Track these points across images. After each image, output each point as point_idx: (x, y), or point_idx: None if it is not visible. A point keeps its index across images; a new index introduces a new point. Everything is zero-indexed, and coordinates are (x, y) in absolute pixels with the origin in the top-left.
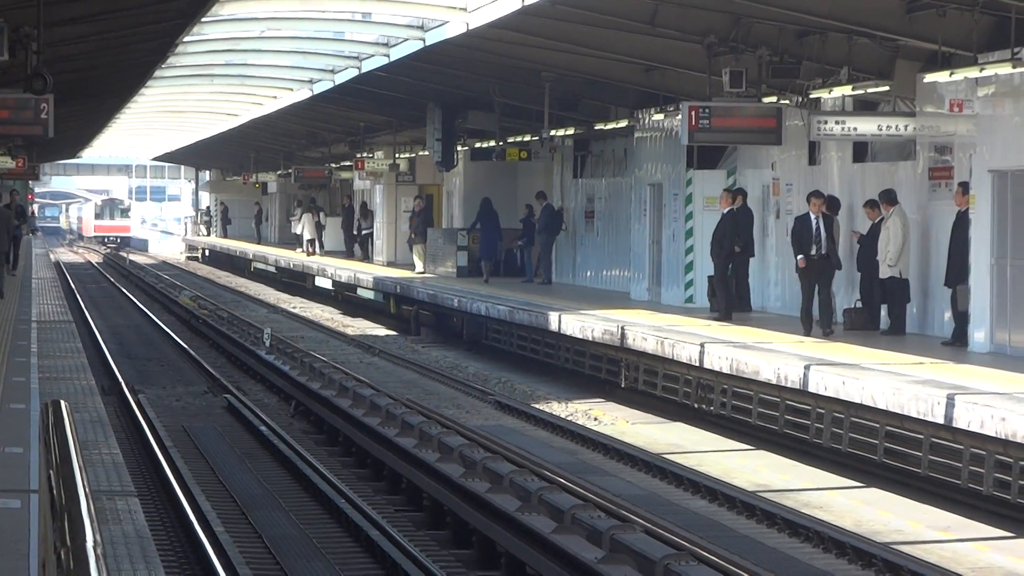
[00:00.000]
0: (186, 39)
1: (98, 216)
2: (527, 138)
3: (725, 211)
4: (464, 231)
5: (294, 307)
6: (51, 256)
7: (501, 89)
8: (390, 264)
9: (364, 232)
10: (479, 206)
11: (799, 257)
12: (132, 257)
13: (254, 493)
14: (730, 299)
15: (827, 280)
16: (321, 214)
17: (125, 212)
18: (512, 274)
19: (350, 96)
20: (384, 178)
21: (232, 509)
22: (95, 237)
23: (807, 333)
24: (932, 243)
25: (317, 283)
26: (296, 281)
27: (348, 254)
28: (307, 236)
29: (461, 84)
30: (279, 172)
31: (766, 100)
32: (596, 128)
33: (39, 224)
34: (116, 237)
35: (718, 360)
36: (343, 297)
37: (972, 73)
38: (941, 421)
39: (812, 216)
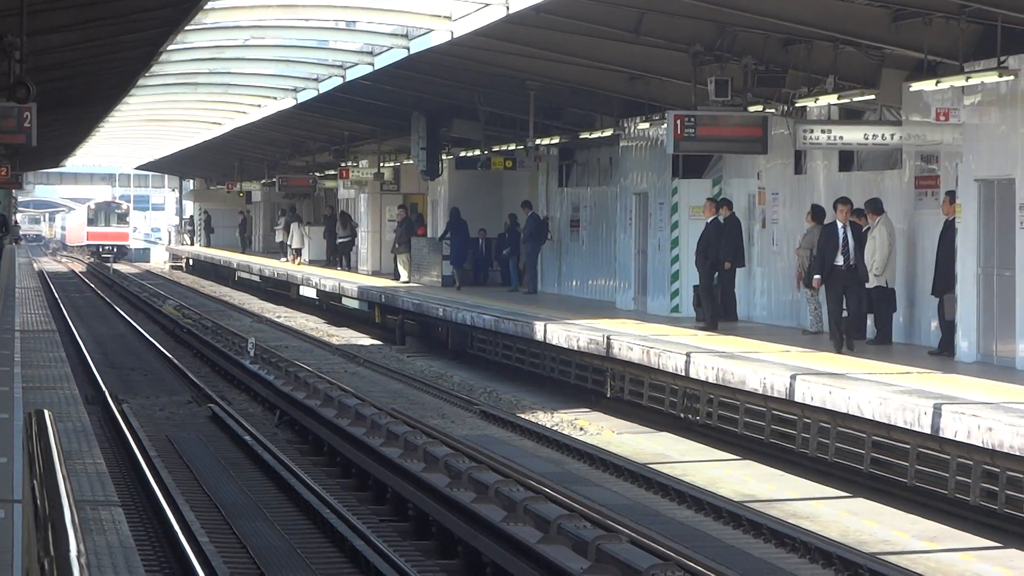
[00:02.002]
0: (170, 47)
1: (91, 222)
2: (512, 147)
3: (709, 220)
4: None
5: (278, 316)
6: (35, 265)
7: (486, 98)
8: (375, 273)
9: (340, 240)
10: (449, 216)
11: (816, 277)
12: (116, 266)
13: (238, 503)
14: (716, 309)
15: (854, 292)
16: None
17: (123, 217)
18: (497, 271)
19: (334, 105)
20: (369, 187)
21: (216, 519)
22: (87, 247)
23: (838, 349)
24: (919, 252)
25: (302, 292)
26: (280, 291)
27: (332, 263)
28: (295, 245)
29: (446, 93)
30: (263, 181)
31: (752, 109)
32: (581, 137)
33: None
34: (112, 246)
35: (704, 370)
36: (328, 307)
37: (958, 82)
38: (928, 431)
39: (839, 225)
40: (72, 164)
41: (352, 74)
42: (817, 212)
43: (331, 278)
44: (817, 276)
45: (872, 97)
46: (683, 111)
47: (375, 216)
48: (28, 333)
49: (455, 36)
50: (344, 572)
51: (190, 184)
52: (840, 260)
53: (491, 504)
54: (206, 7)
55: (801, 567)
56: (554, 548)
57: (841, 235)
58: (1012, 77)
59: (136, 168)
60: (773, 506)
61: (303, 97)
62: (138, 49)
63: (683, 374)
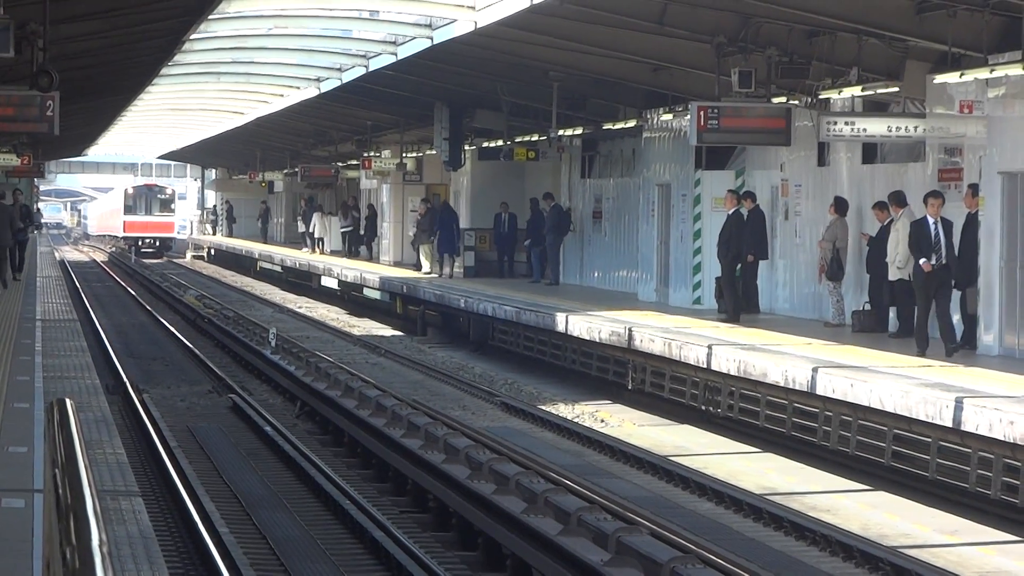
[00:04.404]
0: (192, 36)
1: (129, 210)
2: (535, 138)
3: (730, 212)
4: (471, 231)
5: (300, 307)
6: (56, 255)
7: (509, 88)
8: (396, 264)
9: (343, 230)
10: (440, 209)
11: (922, 261)
12: (137, 256)
13: (258, 494)
14: (737, 301)
15: (947, 293)
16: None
17: (167, 204)
18: (522, 262)
19: (357, 95)
20: (391, 177)
21: (236, 510)
22: (124, 239)
23: (922, 352)
24: None
25: (323, 283)
26: (302, 281)
27: (353, 253)
28: (317, 234)
29: (469, 83)
30: (285, 171)
31: (775, 100)
32: (604, 128)
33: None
34: (154, 239)
35: (725, 362)
36: (349, 297)
37: (982, 74)
38: (949, 424)
39: (930, 220)
40: (94, 153)
41: (375, 64)
42: (840, 204)
43: (352, 268)
44: (924, 260)
45: (896, 89)
46: (706, 102)
47: (397, 206)
48: (49, 322)
49: (479, 26)
50: (364, 563)
51: (212, 174)
52: (932, 258)
53: (512, 496)
54: None
55: (822, 560)
56: (574, 540)
57: (933, 231)
58: None
59: (158, 157)
60: (794, 499)
61: (326, 87)
62: (161, 38)
63: (705, 366)
